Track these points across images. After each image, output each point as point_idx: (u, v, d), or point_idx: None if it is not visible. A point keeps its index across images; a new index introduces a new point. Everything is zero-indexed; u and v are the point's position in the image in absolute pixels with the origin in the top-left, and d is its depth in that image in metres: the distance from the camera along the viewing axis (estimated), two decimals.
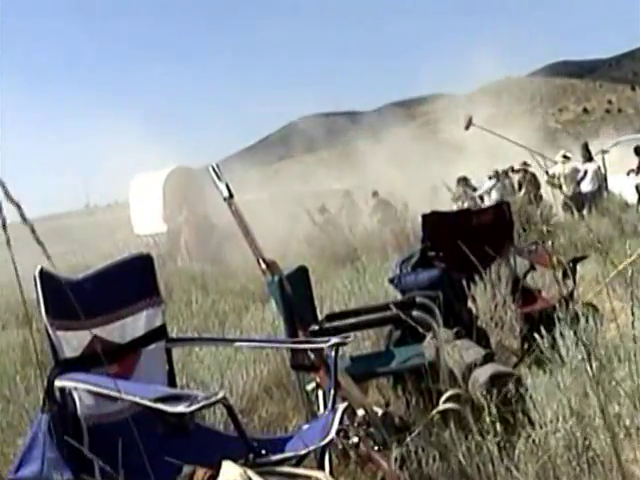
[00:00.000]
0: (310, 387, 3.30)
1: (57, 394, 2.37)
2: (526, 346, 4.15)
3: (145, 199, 19.00)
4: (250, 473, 2.04)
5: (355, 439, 2.76)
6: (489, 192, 16.50)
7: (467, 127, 13.68)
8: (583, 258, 4.98)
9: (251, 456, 2.30)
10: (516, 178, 16.45)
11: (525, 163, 15.50)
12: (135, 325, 2.75)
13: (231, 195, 3.19)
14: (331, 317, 3.81)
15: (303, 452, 2.35)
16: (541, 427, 2.51)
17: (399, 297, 4.39)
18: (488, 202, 15.25)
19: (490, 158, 20.77)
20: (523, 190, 15.25)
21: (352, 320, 3.76)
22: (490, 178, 16.82)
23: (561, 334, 2.90)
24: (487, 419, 2.53)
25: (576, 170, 13.69)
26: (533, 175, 15.46)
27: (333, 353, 2.65)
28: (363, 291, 5.60)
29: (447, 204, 13.67)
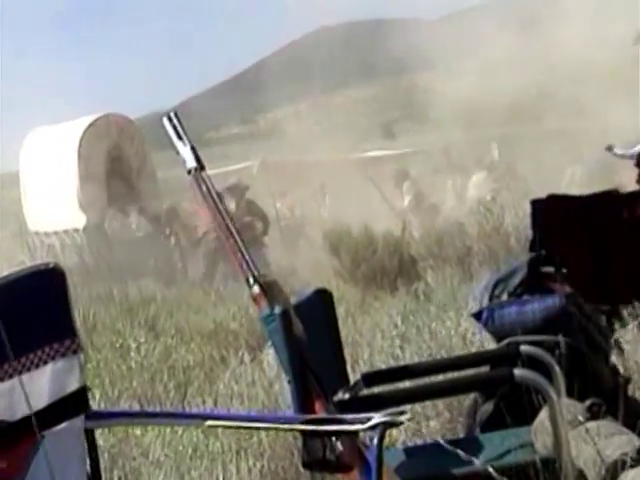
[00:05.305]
0: None
1: None
2: None
3: (48, 172, 18.73)
4: None
5: None
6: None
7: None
8: None
9: None
10: None
11: None
12: (34, 389, 2.76)
13: (202, 166, 3.21)
14: (372, 378, 3.82)
15: None
16: None
17: (490, 345, 4.39)
18: None
19: None
20: None
21: (407, 384, 3.77)
22: None
23: None
24: None
25: None
26: None
27: (376, 441, 2.66)
28: (425, 333, 5.61)
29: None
